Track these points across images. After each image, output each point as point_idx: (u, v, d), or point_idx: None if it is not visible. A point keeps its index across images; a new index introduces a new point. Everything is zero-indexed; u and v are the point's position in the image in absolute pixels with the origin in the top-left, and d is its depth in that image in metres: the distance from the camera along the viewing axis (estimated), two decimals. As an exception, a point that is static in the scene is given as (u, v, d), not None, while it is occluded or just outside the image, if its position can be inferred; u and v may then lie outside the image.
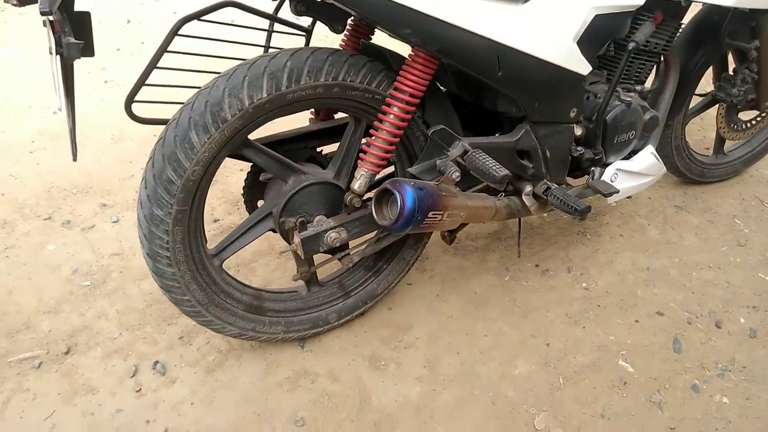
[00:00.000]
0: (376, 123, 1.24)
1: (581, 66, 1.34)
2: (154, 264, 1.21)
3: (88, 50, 1.02)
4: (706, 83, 1.95)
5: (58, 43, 0.92)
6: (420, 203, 1.16)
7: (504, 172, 1.21)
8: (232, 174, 2.04)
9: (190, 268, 1.23)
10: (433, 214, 1.20)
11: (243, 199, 1.43)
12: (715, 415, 1.43)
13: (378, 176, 1.33)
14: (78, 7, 1.05)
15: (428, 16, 1.10)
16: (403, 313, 1.62)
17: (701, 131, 2.41)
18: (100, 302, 1.59)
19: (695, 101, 1.98)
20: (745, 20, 1.68)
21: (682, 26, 1.56)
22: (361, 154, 1.27)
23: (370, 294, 1.53)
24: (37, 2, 0.88)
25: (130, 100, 1.19)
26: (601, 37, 1.37)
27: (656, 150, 1.66)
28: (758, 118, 2.02)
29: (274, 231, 1.37)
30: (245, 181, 1.39)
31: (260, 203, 1.42)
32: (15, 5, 0.89)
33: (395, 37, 1.29)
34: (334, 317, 1.49)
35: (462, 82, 1.35)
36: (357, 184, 1.27)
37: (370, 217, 1.24)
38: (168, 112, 1.22)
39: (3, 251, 1.72)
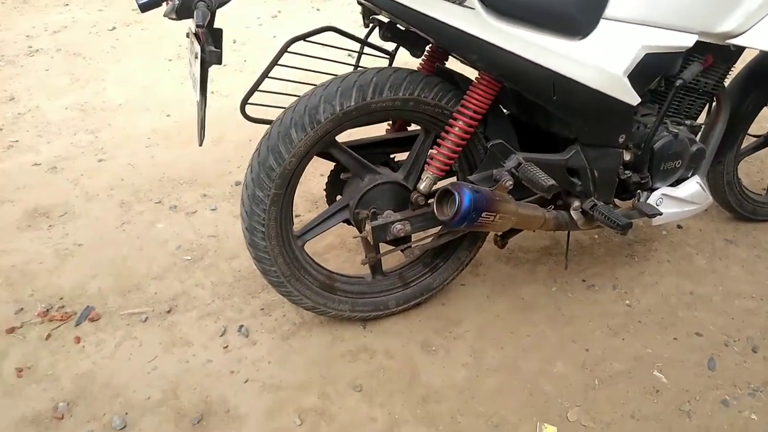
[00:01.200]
0: (443, 134, 1.46)
1: (630, 97, 1.51)
2: (251, 237, 1.46)
3: (221, 59, 1.29)
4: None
5: (203, 50, 1.19)
6: (475, 203, 1.36)
7: (551, 182, 1.39)
8: (313, 178, 2.30)
9: (279, 243, 1.48)
10: (487, 215, 1.40)
11: (325, 194, 1.67)
12: (742, 428, 1.52)
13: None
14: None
15: (493, 45, 1.31)
16: (455, 309, 1.80)
17: (760, 173, 2.48)
18: (197, 274, 1.87)
19: (751, 141, 2.08)
20: (799, 67, 1.80)
21: (734, 69, 1.70)
22: (428, 160, 1.48)
23: (426, 287, 1.73)
24: (192, 17, 1.15)
25: (244, 102, 1.47)
26: (651, 73, 1.53)
27: (705, 181, 1.79)
28: (814, 161, 2.09)
29: (348, 222, 1.60)
30: (328, 177, 1.64)
31: (338, 198, 1.66)
32: (173, 19, 1.17)
33: (465, 63, 1.52)
34: (393, 303, 1.70)
35: (522, 104, 1.55)
36: (422, 185, 1.49)
37: (432, 213, 1.45)
38: (273, 115, 1.50)
39: (120, 225, 2.05)
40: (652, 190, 1.72)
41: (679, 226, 2.19)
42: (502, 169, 1.49)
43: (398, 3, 1.24)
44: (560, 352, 1.69)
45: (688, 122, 1.72)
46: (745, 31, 1.54)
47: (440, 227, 1.64)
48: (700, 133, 1.81)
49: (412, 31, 1.44)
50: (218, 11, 1.21)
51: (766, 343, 1.75)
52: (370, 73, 1.38)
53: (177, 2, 1.12)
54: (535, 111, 1.53)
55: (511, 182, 1.46)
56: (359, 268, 1.90)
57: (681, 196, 1.74)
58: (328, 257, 1.96)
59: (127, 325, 1.71)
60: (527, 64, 1.36)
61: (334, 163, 1.61)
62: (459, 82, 1.48)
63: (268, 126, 1.43)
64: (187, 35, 1.33)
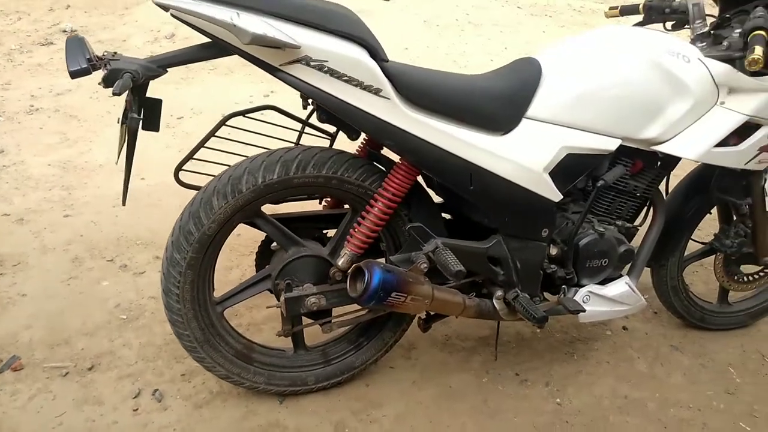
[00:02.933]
0: (363, 213, 1.50)
1: (551, 193, 1.55)
2: (166, 299, 1.49)
3: (153, 126, 1.37)
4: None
5: (125, 116, 1.28)
6: (384, 283, 1.39)
7: (459, 268, 1.42)
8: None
9: (194, 307, 1.50)
10: (397, 295, 1.42)
11: (255, 263, 1.71)
12: None
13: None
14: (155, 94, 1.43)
15: (409, 133, 1.38)
16: (378, 391, 1.78)
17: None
18: (128, 334, 1.89)
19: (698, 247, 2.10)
20: (737, 178, 1.84)
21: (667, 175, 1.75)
22: (348, 237, 1.52)
23: (348, 366, 1.72)
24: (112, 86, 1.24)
25: (179, 168, 1.54)
26: (573, 172, 1.58)
27: (636, 283, 1.79)
28: (761, 273, 2.09)
29: (271, 291, 1.62)
30: (258, 247, 1.68)
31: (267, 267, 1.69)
32: (105, 87, 1.25)
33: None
34: (312, 380, 1.69)
35: (445, 190, 1.60)
36: (341, 261, 1.52)
37: (346, 290, 1.48)
38: (205, 183, 1.56)
39: (67, 280, 2.09)
40: (579, 286, 1.73)
41: (624, 328, 2.17)
42: (420, 252, 1.52)
43: (319, 89, 1.32)
44: (479, 446, 1.65)
45: (619, 223, 1.75)
46: (669, 139, 1.60)
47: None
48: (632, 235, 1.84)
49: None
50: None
51: (695, 457, 1.70)
52: (297, 150, 1.45)
53: (106, 71, 1.22)
54: (457, 199, 1.58)
55: (426, 265, 1.49)
56: (287, 341, 1.89)
57: (609, 296, 1.74)
58: (264, 328, 1.97)
59: (46, 378, 1.71)
60: (443, 153, 1.42)
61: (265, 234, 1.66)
62: (386, 166, 1.55)
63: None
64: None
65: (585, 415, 1.79)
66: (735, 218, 1.98)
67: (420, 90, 1.38)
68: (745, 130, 1.64)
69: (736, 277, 2.08)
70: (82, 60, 1.21)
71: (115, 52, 1.28)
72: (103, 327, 1.90)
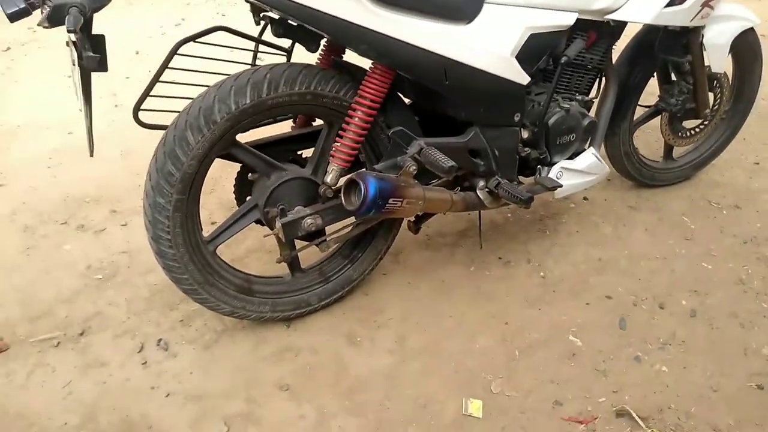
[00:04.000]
0: (343, 125, 1.47)
1: (520, 77, 1.57)
2: (157, 246, 1.43)
3: (102, 66, 1.25)
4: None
5: (80, 57, 1.16)
6: (381, 191, 1.38)
7: (450, 163, 1.43)
8: (228, 182, 2.27)
9: (188, 250, 1.45)
10: (393, 201, 1.42)
11: (234, 197, 1.65)
12: (655, 381, 1.61)
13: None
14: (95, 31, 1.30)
15: (381, 34, 1.34)
16: (377, 298, 1.82)
17: (657, 141, 2.62)
18: (110, 292, 1.81)
19: (642, 111, 2.21)
20: (677, 37, 1.92)
21: (615, 44, 1.80)
22: (332, 152, 1.50)
23: (347, 280, 1.74)
24: (64, 24, 1.12)
25: (137, 108, 1.43)
26: (537, 53, 1.61)
27: (599, 152, 1.89)
28: (701, 126, 2.24)
29: (260, 222, 1.59)
30: (235, 179, 1.62)
31: (249, 199, 1.65)
32: (46, 27, 1.13)
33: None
34: (315, 300, 1.70)
35: (418, 90, 1.59)
36: (329, 178, 1.50)
37: (341, 205, 1.47)
38: (169, 120, 1.47)
39: (24, 251, 1.95)
40: (552, 164, 1.79)
41: (585, 198, 2.30)
42: (406, 155, 1.52)
43: (283, -1, 1.24)
44: (481, 328, 1.74)
45: (579, 97, 1.81)
46: (621, 6, 1.63)
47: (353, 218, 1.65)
48: (594, 108, 1.91)
49: (305, 26, 1.45)
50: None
51: (671, 300, 1.87)
52: (264, 69, 1.38)
53: (48, 9, 1.09)
54: (432, 96, 1.57)
55: (414, 167, 1.49)
56: (281, 269, 1.89)
57: (579, 168, 1.83)
58: (249, 261, 1.94)
59: (38, 352, 1.63)
60: (417, 51, 1.39)
61: (240, 164, 1.60)
62: (355, 74, 1.50)
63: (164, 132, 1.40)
64: (67, 44, 1.29)
65: (567, 282, 1.92)
66: (675, 78, 2.09)
67: (386, -14, 1.33)
68: (688, -14, 1.69)
69: (680, 134, 2.22)
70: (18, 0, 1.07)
71: (50, -13, 1.14)
72: (81, 291, 1.81)
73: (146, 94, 1.41)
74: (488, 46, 1.50)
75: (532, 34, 1.55)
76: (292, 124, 1.74)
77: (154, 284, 1.84)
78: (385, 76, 1.44)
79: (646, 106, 2.21)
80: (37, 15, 1.16)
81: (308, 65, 1.44)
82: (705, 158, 2.39)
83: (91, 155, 1.32)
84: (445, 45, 1.43)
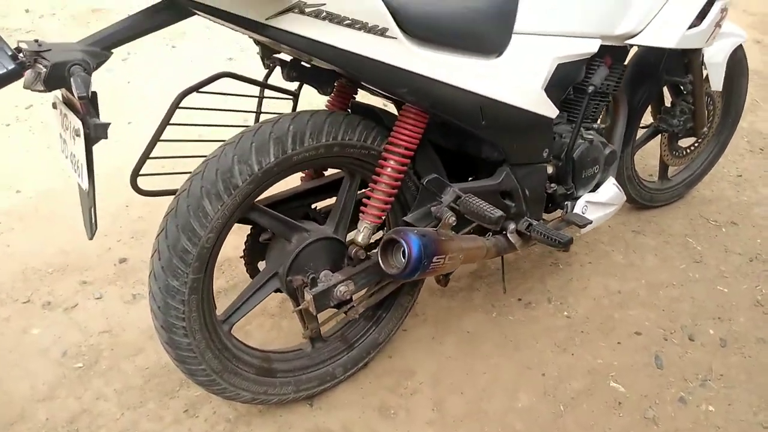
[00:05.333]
0: (374, 177, 1.31)
1: (550, 110, 1.47)
2: (168, 336, 1.20)
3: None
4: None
5: (86, 125, 0.94)
6: (425, 249, 1.22)
7: (498, 213, 1.29)
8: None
9: (204, 336, 1.24)
10: (437, 259, 1.26)
11: (243, 262, 1.45)
12: (704, 423, 1.53)
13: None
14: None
15: (419, 75, 1.19)
16: (403, 359, 1.65)
17: (642, 159, 2.60)
18: (95, 383, 1.54)
19: (640, 133, 2.16)
20: (679, 58, 1.88)
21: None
22: (362, 208, 1.32)
23: (372, 343, 1.57)
24: (64, 87, 0.91)
25: (135, 174, 1.21)
26: (564, 83, 1.51)
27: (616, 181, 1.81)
28: (696, 144, 2.22)
29: (279, 291, 1.39)
30: (245, 243, 1.42)
31: (260, 265, 1.45)
32: (40, 91, 0.91)
33: (379, 96, 1.39)
34: (340, 371, 1.51)
35: (445, 132, 1.44)
36: (360, 237, 1.32)
37: (376, 267, 1.30)
38: (171, 184, 1.25)
39: (-17, 340, 1.65)
40: (576, 198, 1.69)
41: (589, 226, 2.22)
42: (441, 205, 1.37)
43: (314, 41, 1.07)
44: (519, 382, 1.61)
45: (595, 126, 1.72)
46: (642, 30, 1.57)
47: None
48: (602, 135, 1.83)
49: (319, 68, 1.28)
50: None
51: (699, 330, 1.80)
52: (286, 120, 1.19)
53: (45, 70, 0.87)
54: (463, 137, 1.44)
55: (454, 218, 1.34)
56: (288, 335, 1.69)
57: (602, 200, 1.74)
58: (251, 329, 1.72)
59: (16, 469, 1.35)
60: (454, 90, 1.26)
61: (250, 226, 1.40)
62: (381, 118, 1.34)
63: (170, 199, 1.18)
64: (54, 106, 1.06)
65: (593, 320, 1.82)
66: (673, 98, 2.05)
67: (422, 21, 1.18)
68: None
69: (676, 153, 2.19)
70: (6, 59, 0.85)
71: (36, 39, 0.92)
72: (60, 385, 1.54)
73: (146, 157, 1.19)
74: (519, 79, 1.39)
75: (559, 64, 1.45)
76: (302, 176, 1.55)
77: (145, 368, 1.59)
78: (419, 120, 1.29)
79: (644, 127, 2.16)
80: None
81: (332, 112, 1.27)
82: (697, 175, 2.38)
83: (91, 238, 1.09)
84: (479, 82, 1.30)
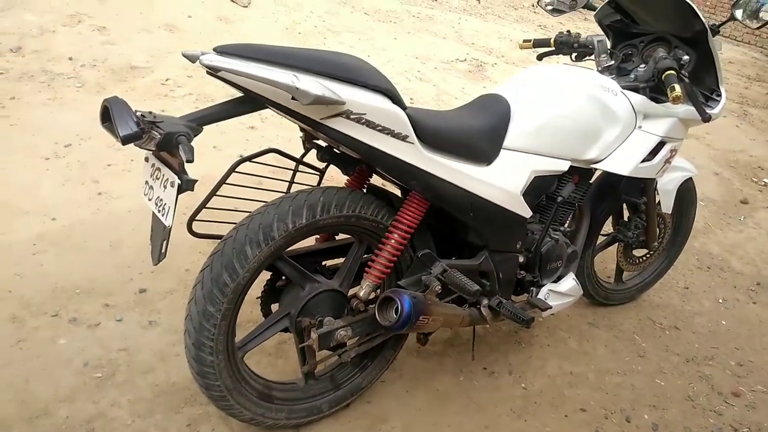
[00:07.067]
0: (380, 245, 1.62)
1: (525, 211, 1.81)
2: (197, 352, 1.46)
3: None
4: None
5: (181, 180, 1.24)
6: (414, 309, 1.52)
7: (476, 287, 1.61)
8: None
9: (224, 357, 1.50)
10: (423, 318, 1.56)
11: (260, 302, 1.72)
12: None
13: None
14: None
15: (427, 172, 1.53)
16: (380, 405, 1.90)
17: (603, 263, 2.95)
18: (111, 392, 1.77)
19: (601, 239, 2.52)
20: (636, 182, 2.26)
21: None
22: (366, 269, 1.63)
23: (356, 387, 1.82)
24: (167, 149, 1.21)
25: (191, 219, 1.51)
26: (538, 191, 1.86)
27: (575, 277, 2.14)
28: (648, 255, 2.58)
29: (287, 330, 1.66)
30: (265, 287, 1.70)
31: (273, 306, 1.72)
32: (152, 151, 1.21)
33: (390, 182, 1.72)
34: (326, 407, 1.76)
35: (440, 217, 1.77)
36: (362, 292, 1.62)
37: (372, 318, 1.59)
38: (218, 231, 1.55)
39: (16, 344, 1.87)
40: (540, 286, 2.01)
41: (551, 314, 2.53)
42: (430, 275, 1.68)
43: (355, 140, 1.40)
44: (477, 439, 1.86)
45: (562, 229, 2.07)
46: (605, 158, 1.94)
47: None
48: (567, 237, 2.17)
49: (346, 154, 1.61)
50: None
51: (635, 414, 2.08)
52: (317, 193, 1.51)
53: (159, 137, 1.18)
54: (454, 224, 1.76)
55: (440, 287, 1.65)
56: (282, 373, 1.93)
57: (562, 291, 2.06)
58: (250, 364, 1.96)
59: (37, 457, 1.56)
60: (452, 187, 1.59)
61: (270, 273, 1.69)
62: (391, 199, 1.67)
63: (217, 242, 1.48)
64: (146, 159, 1.37)
65: (546, 394, 2.10)
66: (630, 215, 2.43)
67: (433, 133, 1.54)
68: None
69: (630, 260, 2.54)
70: (132, 123, 1.17)
71: (151, 111, 1.24)
72: (80, 389, 1.76)
73: (203, 206, 1.50)
74: (503, 184, 1.73)
75: (536, 176, 1.80)
76: (317, 237, 1.86)
77: (155, 385, 1.82)
78: (421, 205, 1.61)
79: (604, 235, 2.52)
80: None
81: (353, 190, 1.60)
82: (648, 282, 2.72)
83: (155, 264, 1.37)
84: (472, 183, 1.64)
